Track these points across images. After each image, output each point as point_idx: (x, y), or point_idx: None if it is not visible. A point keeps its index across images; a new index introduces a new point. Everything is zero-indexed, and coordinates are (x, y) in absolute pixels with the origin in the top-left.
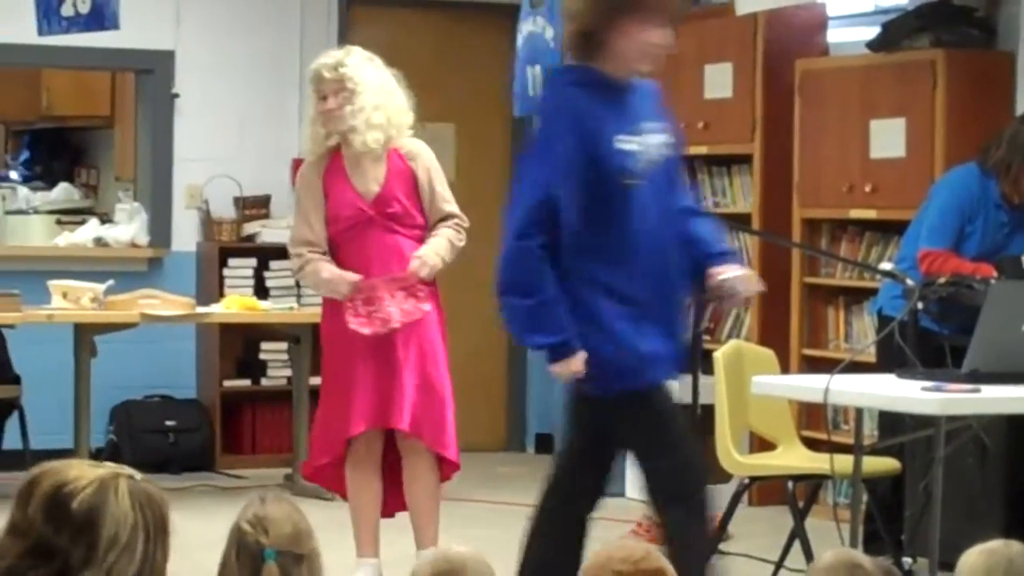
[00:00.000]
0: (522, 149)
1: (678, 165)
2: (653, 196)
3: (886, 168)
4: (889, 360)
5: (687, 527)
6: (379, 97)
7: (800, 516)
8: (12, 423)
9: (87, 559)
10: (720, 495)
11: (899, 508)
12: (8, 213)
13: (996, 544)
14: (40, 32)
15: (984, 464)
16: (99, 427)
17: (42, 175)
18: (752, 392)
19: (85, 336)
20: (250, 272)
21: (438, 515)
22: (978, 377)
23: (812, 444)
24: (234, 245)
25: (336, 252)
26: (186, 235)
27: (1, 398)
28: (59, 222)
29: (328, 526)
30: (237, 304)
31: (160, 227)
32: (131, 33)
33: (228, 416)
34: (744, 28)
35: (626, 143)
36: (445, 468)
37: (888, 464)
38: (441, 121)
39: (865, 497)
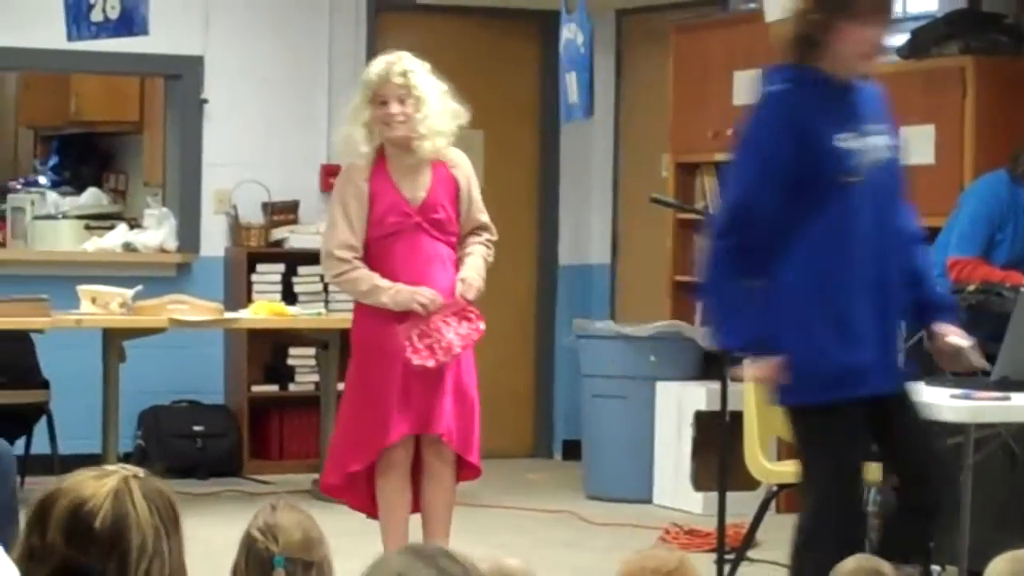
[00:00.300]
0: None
1: (901, 169)
2: (871, 197)
3: (915, 175)
4: (918, 367)
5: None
6: (441, 104)
7: None
8: (41, 428)
9: (121, 571)
10: (748, 502)
11: None
12: (37, 218)
13: (1023, 552)
14: (69, 38)
15: (1013, 471)
16: (127, 432)
17: (71, 180)
18: None
19: (114, 341)
20: (278, 277)
21: (450, 525)
22: (1007, 385)
23: None
24: (262, 250)
25: (372, 257)
26: (214, 240)
27: (30, 403)
28: (88, 227)
29: (349, 533)
30: (265, 309)
31: (188, 232)
32: (160, 39)
33: (256, 422)
34: (774, 35)
35: (845, 141)
36: (466, 471)
37: None
38: (470, 128)
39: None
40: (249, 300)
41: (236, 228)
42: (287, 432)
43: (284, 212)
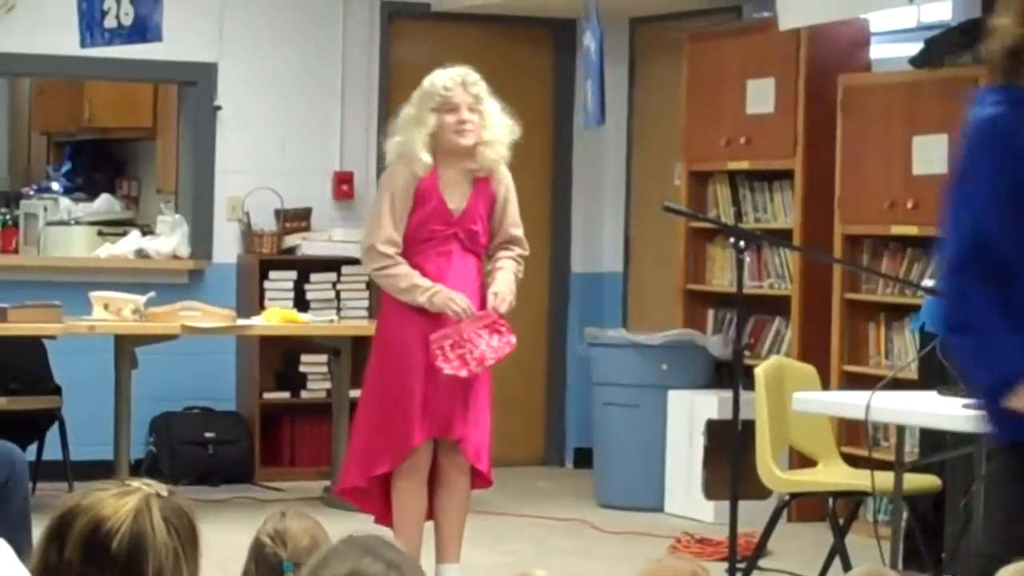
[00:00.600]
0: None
1: None
2: None
3: (928, 184)
4: (931, 377)
5: None
6: (500, 117)
7: (840, 533)
8: (52, 434)
9: None
10: (760, 511)
11: (940, 525)
12: (50, 224)
13: None
14: (83, 44)
15: None
16: (139, 438)
17: (84, 186)
18: (793, 408)
19: (126, 347)
20: (290, 285)
21: (463, 533)
22: None
23: (852, 460)
24: (275, 258)
25: (406, 257)
26: (227, 247)
27: (42, 409)
28: (100, 233)
29: None
30: (277, 316)
31: (201, 239)
32: (174, 45)
33: (267, 428)
34: (787, 43)
35: None
36: (478, 481)
37: (929, 481)
38: None
39: (905, 514)
40: (261, 307)
41: (248, 235)
42: (299, 439)
43: (297, 219)
